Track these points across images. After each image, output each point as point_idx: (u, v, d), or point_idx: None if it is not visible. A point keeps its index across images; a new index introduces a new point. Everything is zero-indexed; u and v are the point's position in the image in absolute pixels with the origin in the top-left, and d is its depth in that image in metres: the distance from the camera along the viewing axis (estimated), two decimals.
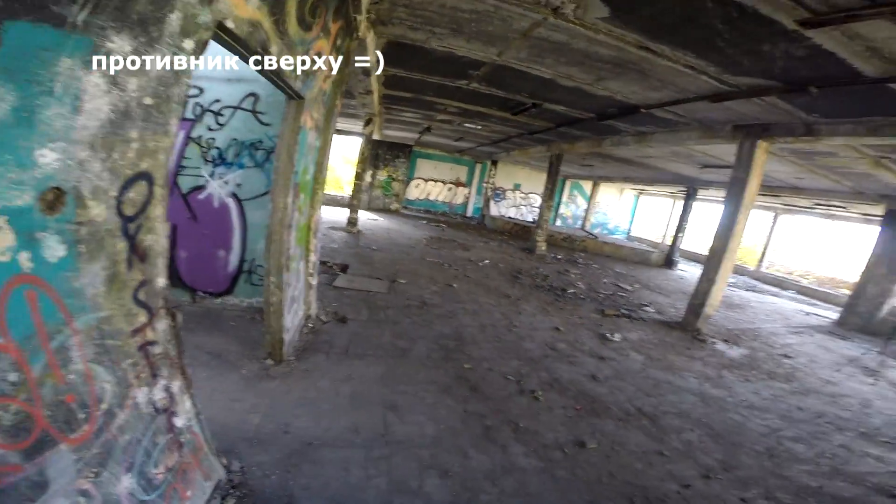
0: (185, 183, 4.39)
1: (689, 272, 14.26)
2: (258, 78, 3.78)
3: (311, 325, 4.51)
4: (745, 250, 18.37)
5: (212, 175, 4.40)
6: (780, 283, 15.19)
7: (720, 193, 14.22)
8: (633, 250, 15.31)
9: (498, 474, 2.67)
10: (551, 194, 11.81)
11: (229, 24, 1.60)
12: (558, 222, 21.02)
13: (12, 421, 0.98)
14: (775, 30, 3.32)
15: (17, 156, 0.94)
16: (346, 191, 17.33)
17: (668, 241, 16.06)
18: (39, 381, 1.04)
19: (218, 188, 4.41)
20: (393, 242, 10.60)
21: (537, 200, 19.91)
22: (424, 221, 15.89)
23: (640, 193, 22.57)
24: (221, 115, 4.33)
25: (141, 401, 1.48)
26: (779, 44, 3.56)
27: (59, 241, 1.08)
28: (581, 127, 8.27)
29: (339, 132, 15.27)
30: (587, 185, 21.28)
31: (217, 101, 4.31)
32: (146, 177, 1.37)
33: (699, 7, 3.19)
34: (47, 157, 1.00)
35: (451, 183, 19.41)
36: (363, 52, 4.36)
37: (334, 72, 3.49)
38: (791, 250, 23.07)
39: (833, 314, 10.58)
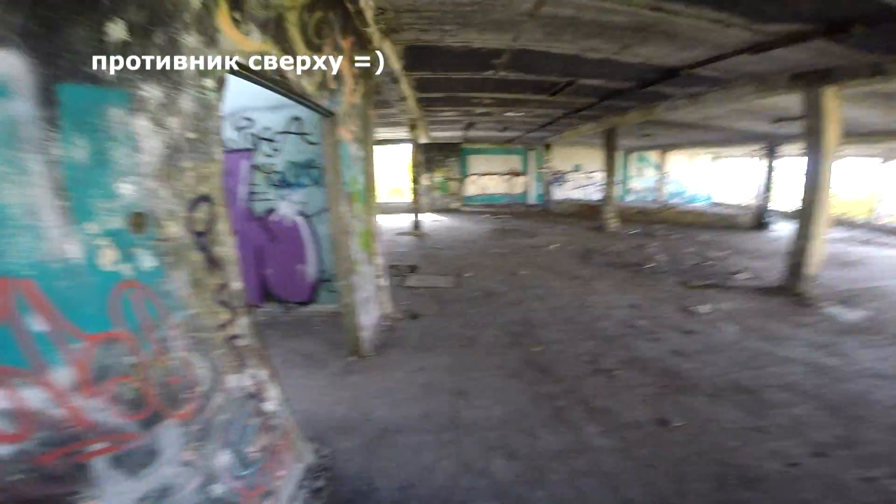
0: (260, 207, 4.96)
1: (787, 232, 12.41)
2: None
3: (386, 322, 4.82)
4: (855, 202, 15.86)
5: (280, 197, 4.90)
6: None
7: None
8: (718, 216, 13.90)
9: (568, 454, 2.61)
10: (612, 169, 11.50)
11: (240, 60, 1.82)
12: (630, 197, 19.96)
13: (131, 396, 1.25)
14: None
15: (103, 190, 1.21)
16: (408, 197, 17.97)
17: (758, 203, 14.25)
18: (149, 364, 1.32)
19: (286, 208, 4.92)
20: (457, 240, 10.81)
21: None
22: (486, 215, 15.90)
23: (716, 157, 20.85)
24: (274, 140, 4.79)
25: (233, 386, 1.76)
26: None
27: (149, 253, 1.36)
28: (626, 97, 7.91)
29: (389, 141, 15.87)
30: (654, 156, 20.15)
31: (267, 128, 4.76)
32: (207, 199, 1.65)
33: None
34: (126, 189, 1.27)
35: (506, 174, 19.22)
36: (383, 63, 4.53)
37: (358, 88, 3.73)
38: None
39: None
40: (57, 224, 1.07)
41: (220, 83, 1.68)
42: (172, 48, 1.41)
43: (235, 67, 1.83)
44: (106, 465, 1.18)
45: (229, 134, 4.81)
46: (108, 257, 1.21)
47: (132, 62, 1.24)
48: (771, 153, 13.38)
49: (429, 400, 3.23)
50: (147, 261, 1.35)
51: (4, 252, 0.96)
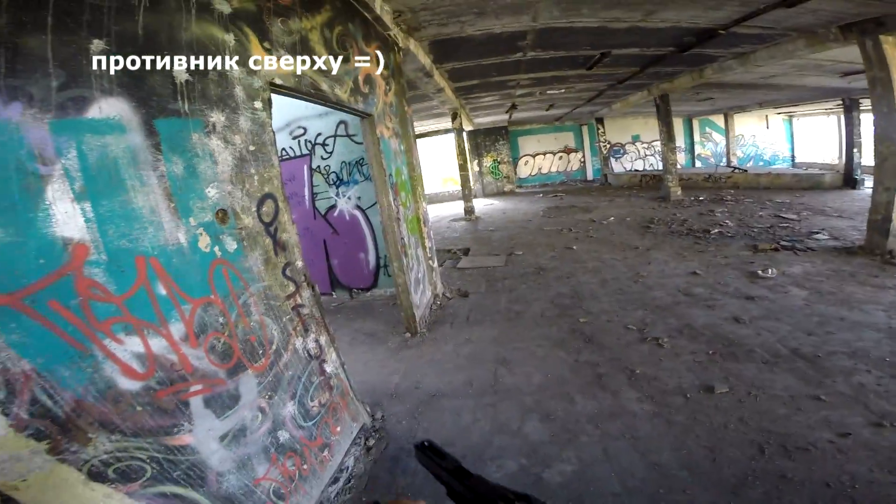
0: (322, 205, 5.57)
1: None
2: None
3: (438, 302, 5.19)
4: None
5: (337, 194, 5.46)
6: None
7: None
8: (797, 176, 12.44)
9: (603, 418, 2.72)
10: (670, 136, 11.14)
11: (278, 81, 2.17)
12: (697, 164, 18.67)
13: (222, 348, 1.69)
14: None
15: (198, 193, 1.64)
16: (459, 185, 18.27)
17: (844, 160, 12.60)
18: (235, 324, 1.76)
19: (345, 203, 5.46)
20: (510, 220, 10.89)
21: None
22: (540, 195, 15.69)
23: (790, 116, 18.84)
24: (326, 144, 5.32)
25: (298, 347, 2.19)
26: None
27: (232, 239, 1.79)
28: (669, 63, 7.60)
29: (435, 133, 16.14)
30: (718, 120, 18.71)
31: (319, 134, 5.31)
32: (271, 196, 2.07)
33: None
34: (211, 192, 1.70)
35: (560, 152, 18.81)
36: (412, 61, 4.79)
37: (390, 87, 4.01)
38: None
39: None
40: (170, 219, 1.51)
41: (267, 103, 2.08)
42: (223, 80, 1.81)
43: (276, 87, 2.21)
44: (201, 405, 1.55)
45: (289, 143, 5.43)
46: (204, 242, 1.65)
47: (196, 95, 1.65)
48: (849, 108, 12.12)
49: (472, 369, 3.52)
50: (231, 244, 1.78)
51: (139, 238, 1.40)
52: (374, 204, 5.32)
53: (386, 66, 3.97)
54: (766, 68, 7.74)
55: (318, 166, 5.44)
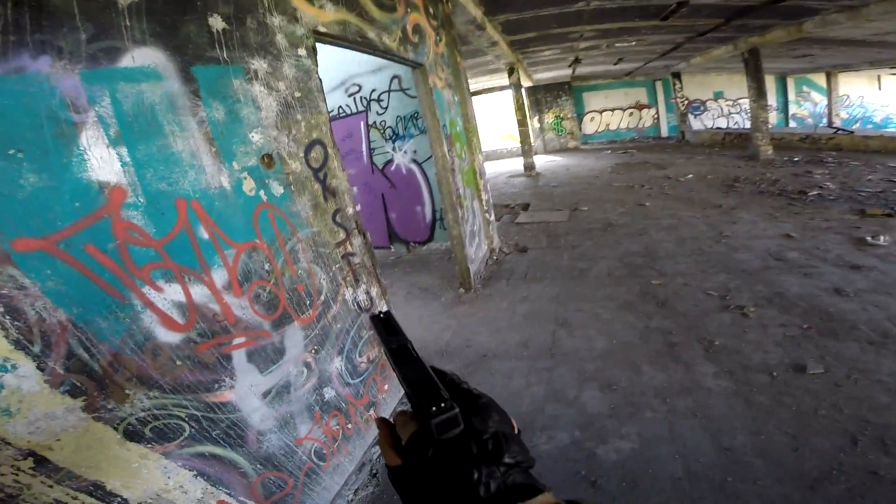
0: (379, 160, 5.52)
1: None
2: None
3: (494, 257, 5.01)
4: None
5: (394, 149, 5.37)
6: None
7: None
8: None
9: (673, 392, 2.46)
10: (760, 93, 9.96)
11: (322, 29, 2.06)
12: (792, 124, 16.86)
13: (267, 298, 1.66)
14: None
15: (241, 138, 1.57)
16: (519, 141, 17.63)
17: None
18: (281, 271, 1.72)
19: (401, 157, 5.37)
20: (574, 176, 10.22)
21: None
22: (608, 151, 14.58)
23: None
24: (381, 100, 5.22)
25: (348, 298, 2.15)
26: None
27: (278, 183, 1.72)
28: (759, 14, 6.57)
29: (491, 90, 15.55)
30: (818, 79, 16.66)
31: (374, 90, 5.22)
32: (319, 142, 1.97)
33: None
34: (255, 137, 1.62)
35: (630, 108, 17.49)
36: (462, 13, 4.43)
37: (441, 38, 3.78)
38: None
39: None
40: (211, 163, 1.45)
41: (311, 51, 1.98)
42: (263, 28, 1.70)
43: (320, 35, 2.06)
44: (243, 359, 1.50)
45: (344, 101, 5.39)
46: (248, 186, 1.59)
47: (235, 43, 1.56)
48: None
49: (529, 329, 3.35)
50: (277, 189, 1.72)
51: (178, 182, 1.35)
52: (429, 157, 5.15)
53: (434, 17, 3.77)
54: (879, 23, 6.56)
55: (374, 122, 5.39)
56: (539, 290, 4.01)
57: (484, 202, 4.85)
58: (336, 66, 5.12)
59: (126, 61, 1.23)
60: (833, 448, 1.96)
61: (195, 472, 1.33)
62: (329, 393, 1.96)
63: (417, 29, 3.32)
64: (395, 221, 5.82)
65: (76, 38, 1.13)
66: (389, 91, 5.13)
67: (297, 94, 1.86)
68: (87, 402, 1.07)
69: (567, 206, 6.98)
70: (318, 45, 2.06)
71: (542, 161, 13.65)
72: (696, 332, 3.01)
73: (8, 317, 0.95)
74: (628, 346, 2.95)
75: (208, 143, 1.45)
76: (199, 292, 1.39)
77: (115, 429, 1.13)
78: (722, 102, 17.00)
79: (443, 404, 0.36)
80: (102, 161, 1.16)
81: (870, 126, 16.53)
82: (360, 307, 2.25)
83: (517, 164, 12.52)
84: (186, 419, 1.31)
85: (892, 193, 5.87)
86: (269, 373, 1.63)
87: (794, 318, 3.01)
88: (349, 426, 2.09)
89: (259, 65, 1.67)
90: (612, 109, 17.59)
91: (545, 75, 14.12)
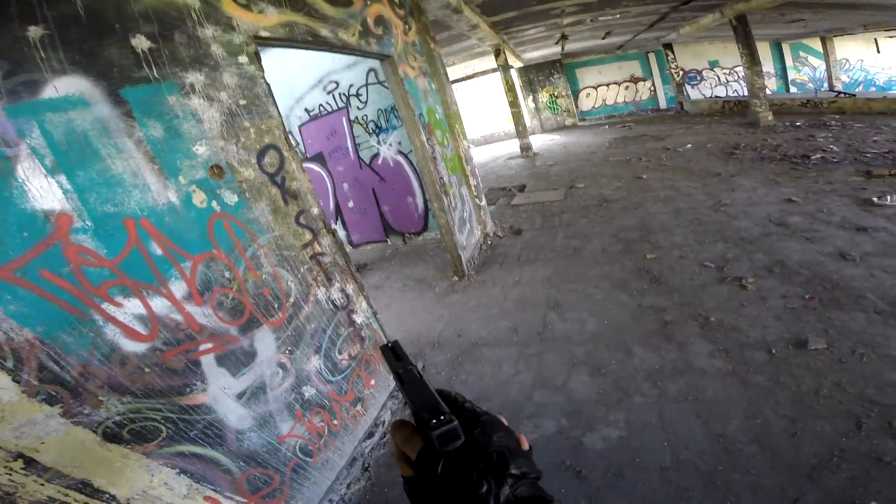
0: (366, 155, 5.46)
1: None
2: None
3: (488, 242, 4.97)
4: None
5: (378, 142, 5.30)
6: None
7: None
8: None
9: (664, 375, 2.39)
10: (753, 60, 9.79)
11: (264, 34, 2.01)
12: (793, 89, 16.55)
13: (231, 304, 1.67)
14: None
15: (184, 153, 1.56)
16: (514, 122, 17.43)
17: None
18: (244, 278, 1.73)
19: (386, 150, 5.30)
20: (571, 154, 10.03)
21: None
22: (606, 126, 14.30)
23: None
24: (360, 95, 5.13)
25: (321, 298, 2.15)
26: None
27: (231, 192, 1.72)
28: None
29: (481, 73, 15.26)
30: (814, 44, 16.54)
31: (351, 85, 5.11)
32: (273, 147, 1.95)
33: None
34: (200, 150, 1.62)
35: (626, 81, 17.09)
36: None
37: (410, 27, 3.69)
38: None
39: None
40: (156, 180, 1.46)
41: (254, 57, 1.93)
42: (195, 42, 1.67)
43: (263, 40, 2.02)
44: (213, 363, 1.55)
45: (324, 99, 5.32)
46: (199, 198, 1.59)
47: (164, 60, 1.54)
48: None
49: (520, 314, 3.32)
50: (231, 198, 1.71)
51: (124, 202, 1.36)
52: None
53: (401, 6, 3.69)
54: None
55: (356, 117, 5.32)
56: (532, 272, 3.97)
57: (473, 188, 4.79)
58: (311, 65, 5.07)
59: (49, 92, 1.25)
60: (834, 432, 1.85)
61: (178, 470, 1.40)
62: (309, 391, 1.99)
63: (381, 20, 3.25)
64: (388, 214, 5.79)
65: None
66: (367, 85, 5.05)
67: (243, 102, 1.84)
68: (64, 408, 1.17)
69: (563, 185, 6.86)
70: (284, 50, 2.03)
71: (539, 140, 13.47)
72: (690, 308, 2.94)
73: None
74: (620, 327, 2.90)
75: (150, 162, 1.46)
76: (159, 304, 1.42)
77: (94, 431, 1.22)
78: (718, 71, 16.76)
79: (442, 417, 0.39)
80: (43, 190, 1.20)
81: (873, 89, 16.19)
82: (335, 305, 2.25)
83: (514, 146, 12.38)
84: (162, 421, 1.38)
85: None
86: (241, 375, 1.67)
87: (795, 289, 2.91)
88: (335, 422, 2.11)
89: (195, 78, 1.65)
90: (608, 84, 17.26)
91: (535, 54, 13.86)
